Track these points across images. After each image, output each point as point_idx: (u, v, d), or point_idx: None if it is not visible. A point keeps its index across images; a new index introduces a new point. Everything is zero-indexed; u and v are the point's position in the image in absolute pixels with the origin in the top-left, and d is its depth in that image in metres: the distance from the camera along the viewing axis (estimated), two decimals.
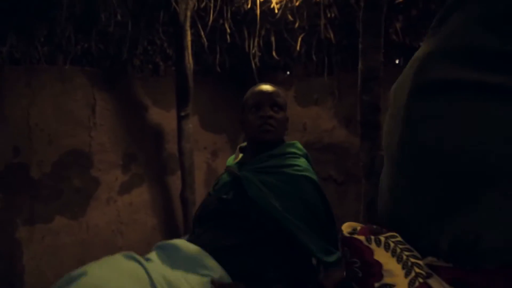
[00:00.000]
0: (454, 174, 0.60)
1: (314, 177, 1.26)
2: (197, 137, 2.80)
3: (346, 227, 0.71)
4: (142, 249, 2.49)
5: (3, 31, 1.87)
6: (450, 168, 0.61)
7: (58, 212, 2.21)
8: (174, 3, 2.24)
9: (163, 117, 2.69)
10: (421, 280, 0.62)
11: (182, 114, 2.51)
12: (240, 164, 1.35)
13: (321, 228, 1.20)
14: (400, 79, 0.73)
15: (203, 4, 2.41)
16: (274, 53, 2.66)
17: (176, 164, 2.66)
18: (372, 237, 0.66)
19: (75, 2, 1.95)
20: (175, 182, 2.73)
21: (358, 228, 0.71)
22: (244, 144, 1.48)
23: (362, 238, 0.66)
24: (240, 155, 1.42)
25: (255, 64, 2.74)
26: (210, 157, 3.01)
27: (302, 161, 1.30)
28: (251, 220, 1.14)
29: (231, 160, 1.46)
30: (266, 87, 1.38)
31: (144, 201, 2.62)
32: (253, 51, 2.67)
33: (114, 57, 2.37)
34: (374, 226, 0.72)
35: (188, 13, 2.35)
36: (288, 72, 2.94)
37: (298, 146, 1.40)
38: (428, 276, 0.62)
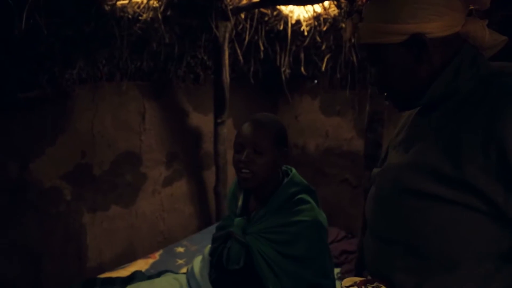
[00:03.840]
0: (421, 255, 0.78)
1: (317, 217, 1.30)
2: (230, 138, 3.15)
3: (347, 282, 0.89)
4: (179, 233, 2.98)
5: (74, 57, 2.26)
6: (420, 252, 0.78)
7: (113, 202, 2.68)
8: (214, 28, 2.55)
9: (201, 121, 3.07)
10: None
11: (219, 121, 2.88)
12: (244, 212, 1.42)
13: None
14: (386, 172, 0.90)
15: (240, 26, 2.70)
16: (302, 69, 2.94)
17: (211, 162, 3.06)
18: (365, 286, 0.85)
19: (132, 31, 2.30)
20: (209, 177, 3.14)
21: (358, 280, 0.88)
22: None
23: None
24: (241, 199, 1.45)
25: (285, 75, 3.04)
26: None
27: (307, 207, 1.31)
28: (251, 285, 1.32)
29: (230, 197, 1.52)
30: (253, 126, 1.29)
31: (183, 192, 3.06)
32: (284, 66, 2.96)
33: (161, 71, 2.73)
34: (369, 277, 0.91)
35: (227, 35, 2.66)
36: (315, 81, 3.20)
37: (297, 180, 1.38)
38: None
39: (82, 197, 2.51)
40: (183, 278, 1.83)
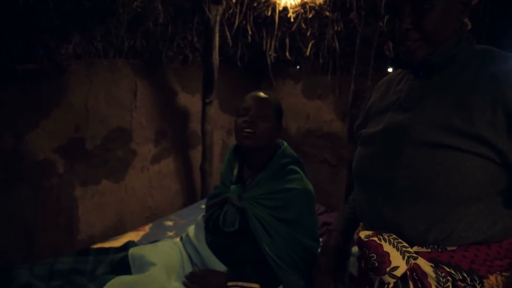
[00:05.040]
0: (433, 197, 0.89)
1: (306, 186, 1.45)
2: (216, 118, 3.28)
3: (362, 234, 0.97)
4: (166, 208, 3.09)
5: (70, 33, 2.31)
6: (431, 192, 0.88)
7: (104, 176, 2.75)
8: (207, 10, 2.66)
9: (189, 101, 3.17)
10: (412, 260, 0.90)
11: (207, 101, 2.99)
12: (238, 180, 1.52)
13: (301, 249, 1.42)
14: (390, 129, 0.99)
15: (231, 10, 2.83)
16: (287, 53, 3.10)
17: (198, 141, 3.18)
18: (380, 236, 0.93)
19: (128, 10, 2.37)
20: (195, 155, 3.26)
21: (371, 233, 0.96)
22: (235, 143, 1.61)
23: (375, 238, 0.93)
24: (236, 168, 1.56)
25: (270, 59, 3.19)
26: (225, 135, 3.52)
27: (297, 177, 1.45)
28: (246, 247, 1.46)
29: (226, 166, 1.61)
30: (259, 94, 1.44)
31: (170, 170, 3.16)
32: (269, 50, 3.10)
33: (152, 51, 2.81)
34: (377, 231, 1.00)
35: (218, 18, 2.78)
36: (298, 67, 3.37)
37: (288, 152, 1.51)
38: (416, 258, 0.91)
39: (74, 170, 2.57)
40: (180, 244, 1.94)
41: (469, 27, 0.99)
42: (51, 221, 2.50)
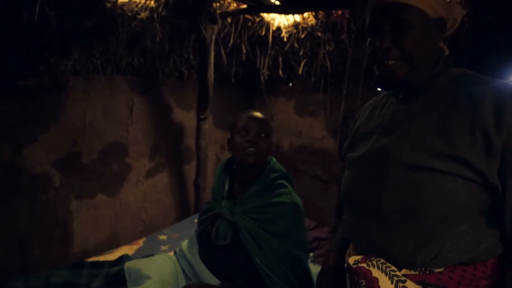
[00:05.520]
0: (418, 218, 0.91)
1: (294, 200, 1.51)
2: (210, 133, 3.34)
3: (351, 260, 0.98)
4: (159, 222, 3.13)
5: (70, 50, 2.39)
6: (416, 214, 0.90)
7: (99, 190, 2.79)
8: (203, 30, 2.76)
9: (184, 116, 3.24)
10: (401, 284, 0.91)
11: (202, 117, 3.06)
12: (230, 195, 1.58)
13: (291, 259, 1.48)
14: (373, 152, 1.03)
15: (226, 29, 2.92)
16: (280, 72, 3.20)
17: (192, 156, 3.24)
18: (369, 262, 0.95)
19: (127, 29, 2.45)
20: (189, 170, 3.31)
21: (359, 259, 0.98)
22: (227, 158, 1.69)
23: (364, 265, 0.95)
24: (227, 183, 1.62)
25: (264, 77, 3.28)
26: (219, 150, 3.59)
27: (285, 191, 1.52)
28: (238, 260, 1.51)
29: (217, 181, 1.66)
30: (257, 114, 1.52)
31: (164, 184, 3.21)
32: (263, 68, 3.20)
33: (149, 68, 2.89)
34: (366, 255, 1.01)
35: (213, 37, 2.87)
36: (290, 84, 3.46)
37: (277, 168, 1.58)
38: (404, 281, 0.92)
39: (71, 184, 2.61)
40: (174, 258, 1.98)
41: (447, 52, 1.05)
42: (46, 234, 2.52)
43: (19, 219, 2.38)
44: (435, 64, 0.98)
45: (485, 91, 0.90)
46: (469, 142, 0.87)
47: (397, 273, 0.93)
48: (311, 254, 2.73)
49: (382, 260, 0.95)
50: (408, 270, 0.94)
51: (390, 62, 0.97)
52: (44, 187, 2.48)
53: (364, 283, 0.92)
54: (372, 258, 0.96)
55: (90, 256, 2.49)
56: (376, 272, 0.93)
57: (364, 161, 1.05)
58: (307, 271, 1.57)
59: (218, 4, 2.71)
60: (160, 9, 2.45)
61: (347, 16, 2.61)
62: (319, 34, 2.87)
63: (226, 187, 1.67)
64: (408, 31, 0.94)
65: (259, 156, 1.48)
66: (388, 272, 0.93)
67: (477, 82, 0.93)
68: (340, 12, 2.64)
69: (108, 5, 2.23)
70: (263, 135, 1.49)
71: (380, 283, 0.91)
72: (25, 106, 2.31)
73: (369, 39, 1.03)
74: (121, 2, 2.31)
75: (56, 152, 2.50)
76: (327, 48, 2.91)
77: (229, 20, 2.89)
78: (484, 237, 0.91)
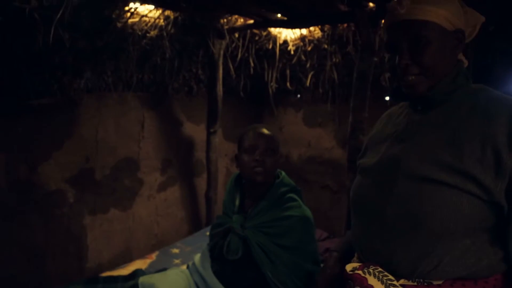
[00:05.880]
0: (422, 229, 0.91)
1: (304, 213, 1.51)
2: (220, 146, 3.38)
3: (349, 267, 1.00)
4: (172, 236, 3.15)
5: (82, 69, 2.45)
6: (420, 224, 0.91)
7: (112, 205, 2.83)
8: (211, 45, 2.81)
9: (194, 130, 3.29)
10: None
11: (211, 130, 3.11)
12: (240, 210, 1.59)
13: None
14: (383, 162, 1.04)
15: (234, 44, 2.98)
16: (288, 84, 3.24)
17: (203, 169, 3.27)
18: (366, 269, 0.96)
19: (138, 47, 2.52)
20: (201, 183, 3.34)
21: (357, 266, 0.99)
22: (237, 173, 1.69)
23: (360, 272, 0.96)
24: (238, 198, 1.64)
25: (272, 89, 3.32)
26: (229, 163, 3.62)
27: (295, 204, 1.53)
28: (250, 274, 1.52)
29: (228, 196, 1.68)
30: (263, 131, 1.51)
31: (176, 198, 3.25)
32: (271, 81, 3.24)
33: (159, 83, 2.95)
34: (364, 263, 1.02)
35: (221, 52, 2.92)
36: (298, 96, 3.50)
37: (286, 181, 1.58)
38: None
39: (84, 200, 2.66)
40: (187, 272, 2.00)
41: (466, 64, 1.05)
42: (61, 249, 2.57)
43: (34, 235, 2.42)
44: (454, 78, 0.99)
45: (501, 109, 0.90)
46: (479, 158, 0.87)
47: (395, 282, 0.93)
48: (322, 265, 2.72)
49: (380, 269, 0.95)
50: (406, 281, 0.94)
51: (410, 78, 0.98)
52: (58, 203, 2.53)
53: None
54: (370, 266, 0.96)
55: (104, 271, 2.52)
56: (372, 280, 0.93)
57: (374, 168, 1.06)
58: None
59: (225, 20, 2.76)
60: (169, 27, 2.51)
61: (353, 28, 2.64)
62: (326, 46, 2.90)
63: (237, 201, 1.69)
64: (426, 47, 0.95)
65: (267, 174, 1.50)
66: (384, 281, 0.93)
67: (494, 99, 0.94)
68: (345, 25, 2.67)
69: (119, 25, 2.30)
70: (270, 152, 1.49)
71: None
72: (39, 125, 2.37)
73: (387, 56, 1.06)
74: (131, 22, 2.37)
75: (70, 168, 2.56)
76: (334, 60, 2.94)
77: (236, 35, 2.94)
78: (486, 254, 0.91)
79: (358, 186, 1.12)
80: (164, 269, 2.37)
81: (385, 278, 0.93)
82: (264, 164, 1.47)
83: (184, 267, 2.39)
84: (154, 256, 2.74)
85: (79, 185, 2.61)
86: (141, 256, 2.82)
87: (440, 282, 0.92)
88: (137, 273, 2.28)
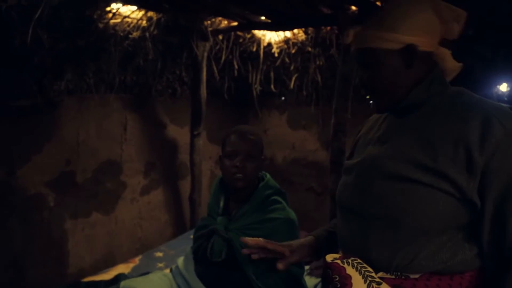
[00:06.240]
0: (398, 226, 0.94)
1: (289, 216, 1.51)
2: (204, 149, 3.36)
3: (329, 257, 1.00)
4: (155, 239, 3.12)
5: (62, 70, 2.41)
6: (396, 222, 0.93)
7: (94, 209, 2.78)
8: (195, 47, 2.80)
9: (178, 132, 3.26)
10: (375, 285, 0.93)
11: (195, 132, 3.09)
12: (225, 212, 1.58)
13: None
14: (365, 163, 1.06)
15: (218, 46, 2.97)
16: (272, 86, 3.24)
17: (187, 171, 3.25)
18: (344, 260, 0.97)
19: (120, 49, 2.49)
20: (184, 186, 3.32)
21: (337, 257, 1.00)
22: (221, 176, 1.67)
23: (339, 261, 0.97)
24: (222, 200, 1.62)
25: (256, 92, 3.32)
26: (213, 165, 3.60)
27: (279, 207, 1.53)
28: (234, 277, 1.50)
29: (212, 198, 1.66)
30: (245, 135, 1.49)
31: (159, 201, 3.21)
32: (255, 83, 3.24)
33: (142, 85, 2.92)
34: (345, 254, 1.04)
35: (205, 54, 2.91)
36: (283, 98, 3.51)
37: (271, 184, 1.58)
38: (380, 283, 0.94)
39: (65, 204, 2.61)
40: (170, 276, 1.98)
41: (458, 66, 1.05)
42: (41, 254, 2.51)
43: (13, 240, 2.36)
44: (429, 86, 1.01)
45: (475, 112, 0.92)
46: (452, 158, 0.89)
47: (373, 274, 0.95)
48: (307, 267, 2.73)
49: (359, 261, 0.97)
50: (384, 274, 0.96)
51: (367, 97, 1.04)
52: (38, 207, 2.47)
53: (338, 278, 0.95)
54: (350, 258, 0.98)
55: (86, 276, 2.47)
56: (350, 270, 0.95)
57: (355, 168, 1.09)
58: (303, 287, 1.58)
59: (209, 22, 2.75)
60: (152, 28, 2.49)
61: (336, 31, 2.66)
62: (309, 49, 2.92)
63: (221, 203, 1.67)
64: (371, 72, 1.01)
65: (247, 180, 1.48)
66: (362, 272, 0.94)
67: (469, 102, 0.96)
68: (329, 27, 2.69)
69: (100, 25, 2.27)
70: (251, 158, 1.47)
71: (353, 281, 0.93)
72: (18, 127, 2.32)
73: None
74: (113, 23, 2.34)
75: (50, 172, 2.50)
76: (318, 62, 2.96)
77: (220, 37, 2.93)
78: (462, 249, 0.93)
79: (341, 185, 1.14)
80: (147, 273, 2.34)
81: (363, 269, 0.95)
82: (244, 170, 1.46)
83: (168, 270, 2.37)
84: (137, 260, 2.70)
85: (59, 189, 2.56)
86: (124, 260, 2.78)
87: (416, 276, 0.94)
88: (119, 278, 2.24)
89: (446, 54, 1.04)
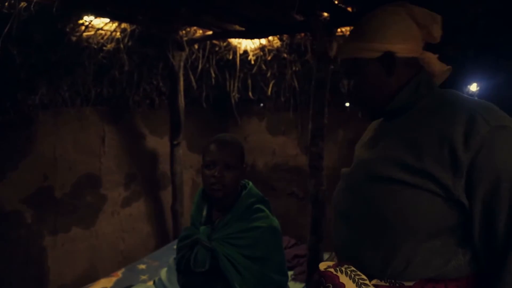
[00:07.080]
0: (388, 228, 0.94)
1: (272, 224, 1.48)
2: (185, 158, 3.35)
3: (322, 265, 1.00)
4: (138, 251, 3.08)
5: (37, 84, 2.38)
6: (386, 224, 0.93)
7: (74, 223, 2.74)
8: (171, 58, 2.79)
9: (157, 143, 3.25)
10: None
11: (175, 142, 3.07)
12: (208, 221, 1.58)
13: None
14: (356, 169, 1.09)
15: (194, 55, 2.97)
16: (250, 93, 3.26)
17: (168, 182, 3.23)
18: (338, 268, 0.97)
19: (94, 61, 2.47)
20: (166, 196, 3.30)
21: (331, 264, 1.00)
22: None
23: (332, 270, 0.97)
24: (205, 210, 1.61)
25: (234, 99, 3.33)
26: (195, 174, 3.59)
27: (263, 215, 1.50)
28: (218, 287, 1.45)
29: (195, 208, 1.65)
30: (222, 146, 1.46)
31: (141, 212, 3.18)
32: (233, 91, 3.26)
33: (119, 97, 2.90)
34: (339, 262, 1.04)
35: (182, 64, 2.91)
36: (261, 105, 3.53)
37: (254, 192, 1.56)
38: None
39: (43, 220, 2.56)
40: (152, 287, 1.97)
41: (445, 68, 1.07)
42: (19, 273, 2.45)
43: None
44: (415, 90, 1.02)
45: (460, 110, 0.93)
46: (437, 158, 0.90)
47: (367, 282, 0.94)
48: (291, 273, 2.74)
49: (352, 268, 0.97)
50: (379, 281, 0.95)
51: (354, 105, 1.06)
52: (14, 225, 2.42)
53: (331, 287, 0.94)
54: (343, 265, 0.98)
55: None
56: (343, 278, 0.94)
57: (348, 173, 1.11)
58: None
59: (184, 32, 2.76)
60: (126, 40, 2.48)
61: (310, 37, 2.70)
62: (285, 55, 2.95)
63: (204, 213, 1.66)
64: (358, 80, 1.05)
65: (226, 190, 1.45)
66: (356, 280, 0.94)
67: (454, 102, 0.97)
68: (303, 34, 2.73)
69: (74, 38, 2.25)
70: (230, 168, 1.44)
71: None
72: None
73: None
74: (86, 35, 2.33)
75: (27, 188, 2.46)
76: (294, 68, 2.99)
77: (196, 46, 2.94)
78: (455, 255, 0.93)
79: (337, 190, 1.15)
80: (130, 286, 2.31)
81: (357, 277, 0.95)
82: (223, 180, 1.43)
83: (151, 283, 2.35)
84: (120, 273, 2.67)
85: (37, 205, 2.52)
86: (107, 274, 2.74)
87: (411, 284, 0.94)
88: None
89: (431, 58, 1.05)
